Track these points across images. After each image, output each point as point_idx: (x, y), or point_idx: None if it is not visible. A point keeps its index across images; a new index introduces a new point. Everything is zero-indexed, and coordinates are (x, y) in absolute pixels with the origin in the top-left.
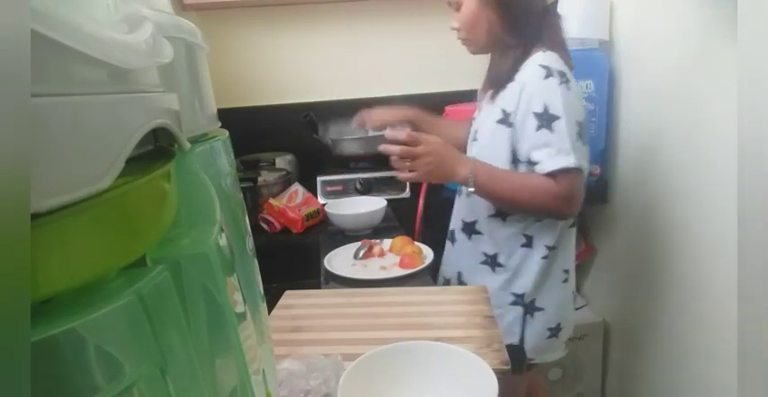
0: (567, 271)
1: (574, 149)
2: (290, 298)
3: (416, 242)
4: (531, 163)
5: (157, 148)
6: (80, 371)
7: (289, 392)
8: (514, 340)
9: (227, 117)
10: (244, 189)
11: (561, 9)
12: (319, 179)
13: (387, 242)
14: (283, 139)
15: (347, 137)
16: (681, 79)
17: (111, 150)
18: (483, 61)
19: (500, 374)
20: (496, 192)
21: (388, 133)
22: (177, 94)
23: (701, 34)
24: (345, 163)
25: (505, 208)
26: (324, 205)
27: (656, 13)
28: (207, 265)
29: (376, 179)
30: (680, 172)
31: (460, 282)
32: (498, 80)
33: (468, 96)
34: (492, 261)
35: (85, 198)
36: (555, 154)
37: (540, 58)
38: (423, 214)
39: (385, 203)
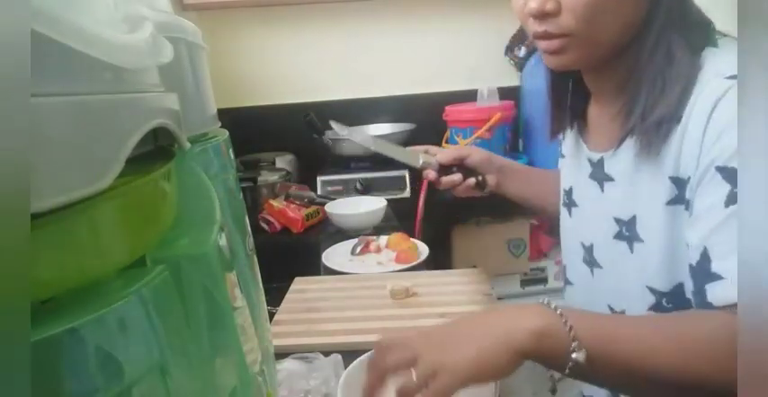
0: None
1: None
2: (301, 284)
3: (412, 239)
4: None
5: (157, 148)
6: (80, 371)
7: (289, 392)
8: None
9: (227, 117)
10: (244, 189)
11: None
12: (319, 179)
13: (383, 239)
14: (283, 139)
15: (347, 137)
16: None
17: (111, 150)
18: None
19: None
20: (623, 361)
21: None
22: (177, 94)
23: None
24: (345, 163)
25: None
26: (323, 205)
27: None
28: (207, 265)
29: (376, 179)
30: None
31: None
32: (652, 119)
33: (468, 96)
34: None
35: (85, 198)
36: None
37: (727, 64)
38: (423, 213)
39: (385, 203)
